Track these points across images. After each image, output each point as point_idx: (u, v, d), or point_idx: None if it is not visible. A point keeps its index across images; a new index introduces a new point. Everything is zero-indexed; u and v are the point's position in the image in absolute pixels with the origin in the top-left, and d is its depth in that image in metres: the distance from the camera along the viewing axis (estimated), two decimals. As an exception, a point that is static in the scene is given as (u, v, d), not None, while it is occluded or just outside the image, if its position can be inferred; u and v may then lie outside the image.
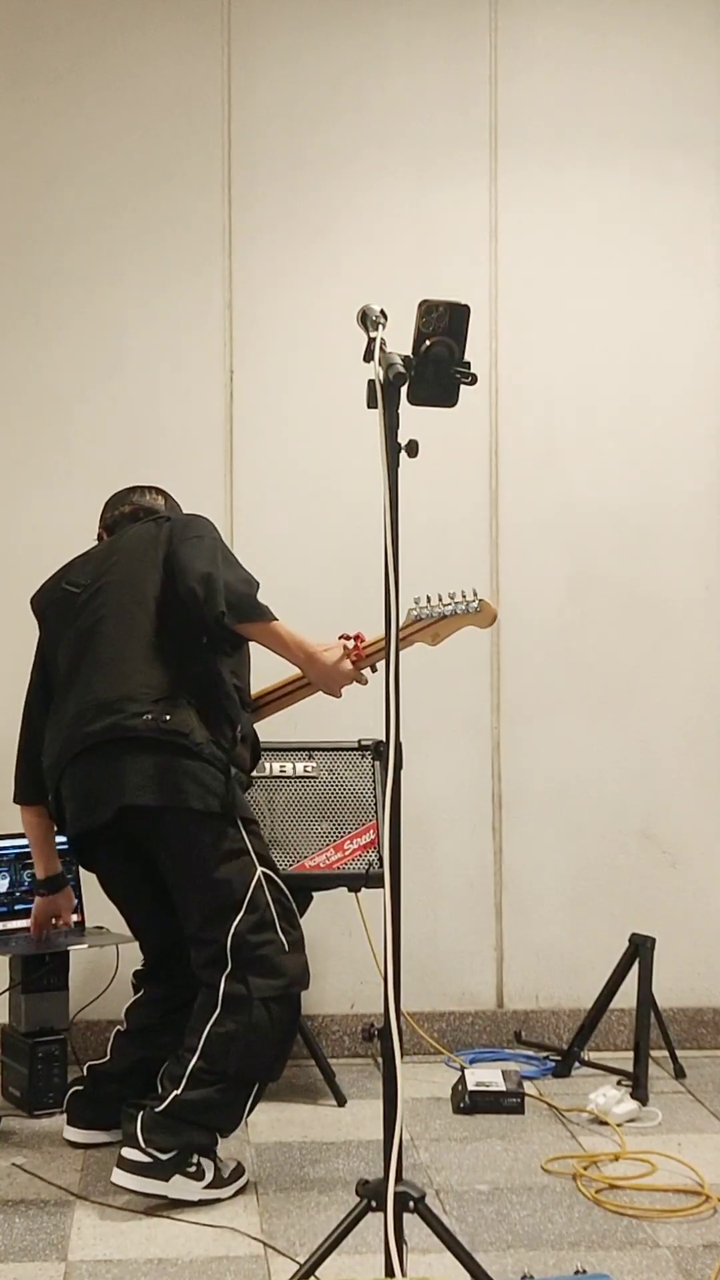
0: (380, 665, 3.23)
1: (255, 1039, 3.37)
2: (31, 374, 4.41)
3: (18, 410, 4.41)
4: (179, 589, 3.43)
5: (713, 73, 4.59)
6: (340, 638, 3.57)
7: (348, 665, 3.54)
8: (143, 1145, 3.31)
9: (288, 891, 3.48)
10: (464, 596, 3.63)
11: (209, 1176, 3.35)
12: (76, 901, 4.13)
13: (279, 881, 3.47)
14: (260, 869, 3.43)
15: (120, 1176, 3.31)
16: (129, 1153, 3.32)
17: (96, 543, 3.79)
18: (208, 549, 3.50)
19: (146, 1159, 3.30)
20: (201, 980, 3.41)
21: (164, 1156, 3.31)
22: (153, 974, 3.73)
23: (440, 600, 3.63)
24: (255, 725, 3.61)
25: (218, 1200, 3.32)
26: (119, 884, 3.70)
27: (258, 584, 3.48)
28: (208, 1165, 3.36)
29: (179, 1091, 3.34)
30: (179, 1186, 3.31)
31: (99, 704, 3.42)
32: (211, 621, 3.38)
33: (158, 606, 3.49)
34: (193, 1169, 3.33)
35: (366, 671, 3.59)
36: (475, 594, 3.63)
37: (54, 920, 3.91)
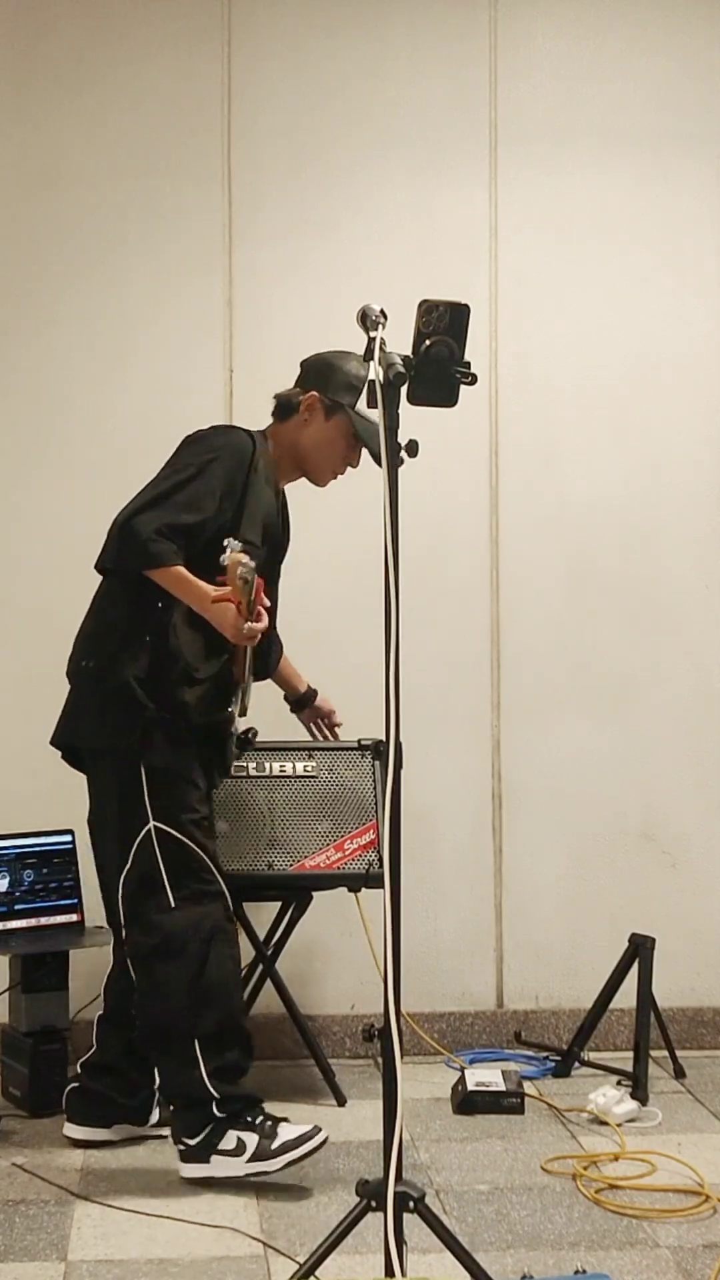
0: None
1: (159, 998, 3.45)
2: (32, 371, 4.41)
3: (18, 407, 4.41)
4: None
5: (711, 75, 4.59)
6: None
7: (231, 610, 3.34)
8: (174, 1140, 3.45)
9: (194, 842, 3.44)
10: None
11: (250, 1149, 3.37)
12: (77, 900, 4.13)
13: (179, 835, 3.42)
14: (152, 823, 3.41)
15: (181, 1168, 3.44)
16: (178, 1145, 3.45)
17: None
18: (153, 486, 3.46)
19: (183, 1147, 3.43)
20: None
21: (192, 1142, 3.40)
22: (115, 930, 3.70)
23: None
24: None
25: (264, 1174, 3.34)
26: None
27: (180, 526, 3.36)
28: (249, 1138, 3.38)
29: (158, 1081, 3.55)
30: (221, 1166, 3.38)
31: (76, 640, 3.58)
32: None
33: None
34: (231, 1147, 3.37)
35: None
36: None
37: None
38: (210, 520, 3.42)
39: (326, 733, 4.07)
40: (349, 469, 3.69)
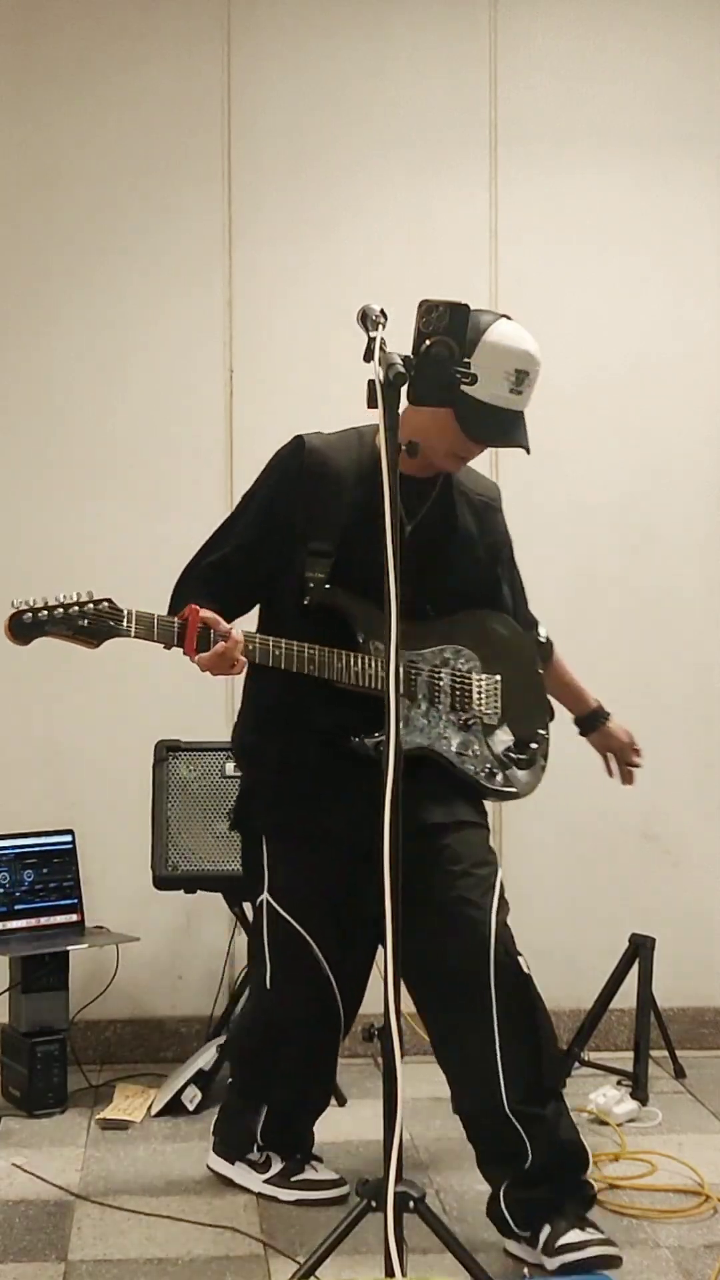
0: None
1: (235, 1061, 3.49)
2: (31, 372, 4.41)
3: (17, 408, 4.41)
4: None
5: (712, 76, 4.59)
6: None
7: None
8: (213, 1129, 3.49)
9: (304, 926, 3.21)
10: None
11: (273, 1171, 3.35)
12: (76, 901, 4.13)
13: (286, 914, 3.22)
14: (265, 894, 3.24)
15: (208, 1156, 3.46)
16: (213, 1134, 3.50)
17: None
18: None
19: (215, 1137, 3.45)
20: None
21: (221, 1139, 3.44)
22: None
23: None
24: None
25: (276, 1199, 3.31)
26: None
27: (207, 565, 3.16)
28: (275, 1161, 3.36)
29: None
30: (242, 1173, 3.38)
31: None
32: None
33: None
34: (258, 1160, 3.37)
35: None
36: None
37: None
38: (243, 550, 3.15)
39: (617, 771, 3.60)
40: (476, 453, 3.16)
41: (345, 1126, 3.82)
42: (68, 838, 4.15)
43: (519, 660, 3.36)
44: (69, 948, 3.98)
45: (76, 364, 4.41)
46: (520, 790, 3.31)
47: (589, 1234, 2.97)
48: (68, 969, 4.00)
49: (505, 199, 4.54)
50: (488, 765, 3.24)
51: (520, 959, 3.07)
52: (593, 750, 4.53)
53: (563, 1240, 2.95)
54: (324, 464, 3.15)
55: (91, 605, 2.88)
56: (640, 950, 4.12)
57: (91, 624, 2.88)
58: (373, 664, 3.05)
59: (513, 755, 3.29)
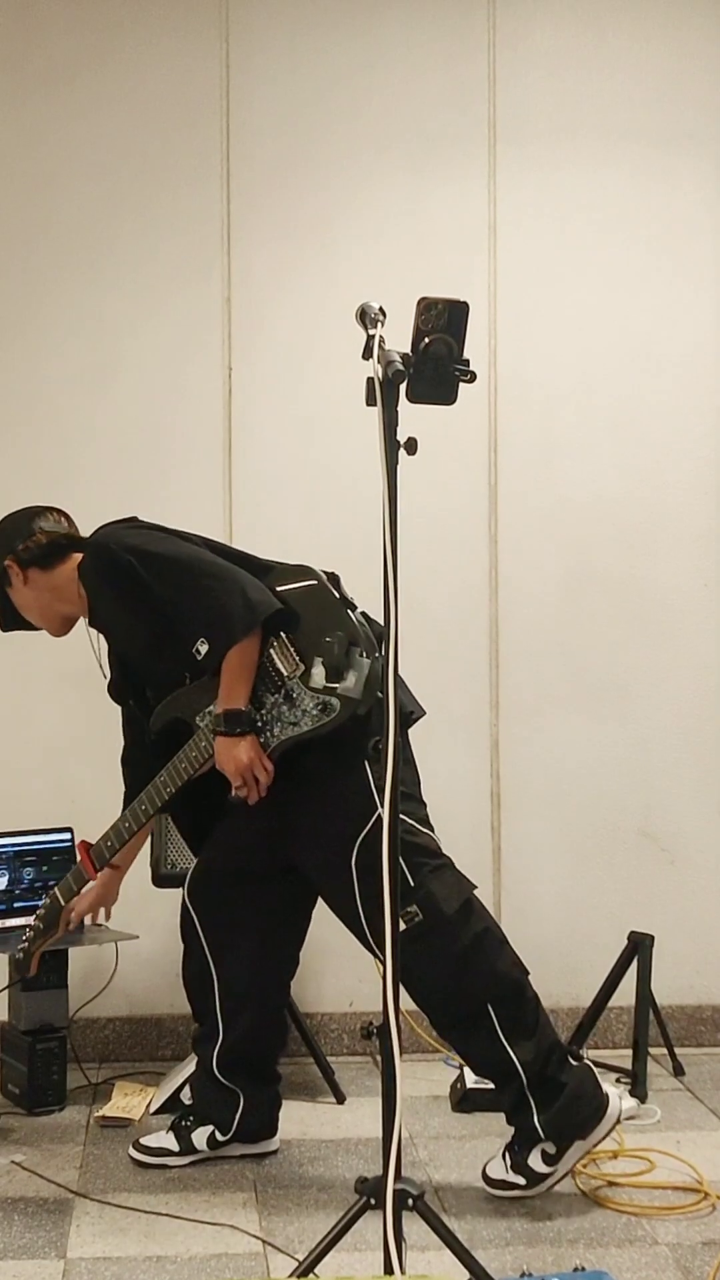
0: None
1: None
2: (30, 372, 4.41)
3: (16, 409, 4.41)
4: None
5: (711, 71, 4.59)
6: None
7: None
8: None
9: None
10: None
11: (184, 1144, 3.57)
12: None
13: None
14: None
15: None
16: None
17: None
18: None
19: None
20: None
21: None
22: None
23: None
24: None
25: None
26: None
27: None
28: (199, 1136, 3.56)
29: None
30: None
31: None
32: None
33: None
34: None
35: None
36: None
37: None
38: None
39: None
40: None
41: (344, 1124, 3.82)
42: (67, 836, 4.15)
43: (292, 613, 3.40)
44: (68, 945, 3.98)
45: (74, 363, 4.41)
46: (354, 694, 3.29)
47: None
48: (67, 967, 4.00)
49: (503, 194, 4.54)
50: (315, 708, 3.32)
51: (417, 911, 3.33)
52: (592, 749, 4.55)
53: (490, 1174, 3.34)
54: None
55: (41, 911, 3.62)
56: (639, 948, 4.12)
57: (43, 917, 3.61)
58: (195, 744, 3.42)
59: (329, 683, 3.32)
